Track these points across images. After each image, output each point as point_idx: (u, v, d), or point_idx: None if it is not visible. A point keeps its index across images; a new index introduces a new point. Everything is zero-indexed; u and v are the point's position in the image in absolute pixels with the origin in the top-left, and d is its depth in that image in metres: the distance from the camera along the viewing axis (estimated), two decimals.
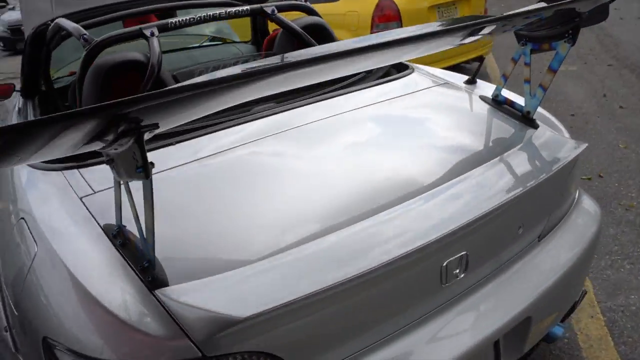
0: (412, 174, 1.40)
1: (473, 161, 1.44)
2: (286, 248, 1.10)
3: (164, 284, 1.00)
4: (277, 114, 1.61)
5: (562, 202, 1.63)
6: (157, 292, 0.99)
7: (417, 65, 2.13)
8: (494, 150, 1.52)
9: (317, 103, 1.69)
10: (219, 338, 0.95)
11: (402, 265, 1.13)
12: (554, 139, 1.62)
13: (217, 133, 1.51)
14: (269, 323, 1.00)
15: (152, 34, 1.70)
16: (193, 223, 1.19)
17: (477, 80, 2.00)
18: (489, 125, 1.69)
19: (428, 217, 1.24)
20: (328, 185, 1.33)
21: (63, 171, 1.37)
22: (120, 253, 1.08)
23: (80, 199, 1.25)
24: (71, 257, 1.10)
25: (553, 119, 1.83)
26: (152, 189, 0.92)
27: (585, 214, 1.73)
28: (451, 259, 1.24)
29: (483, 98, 1.81)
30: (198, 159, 1.40)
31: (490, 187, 1.36)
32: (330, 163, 1.44)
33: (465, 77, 2.03)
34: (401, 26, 4.54)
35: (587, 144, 1.59)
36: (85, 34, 1.81)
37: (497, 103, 1.75)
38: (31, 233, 1.22)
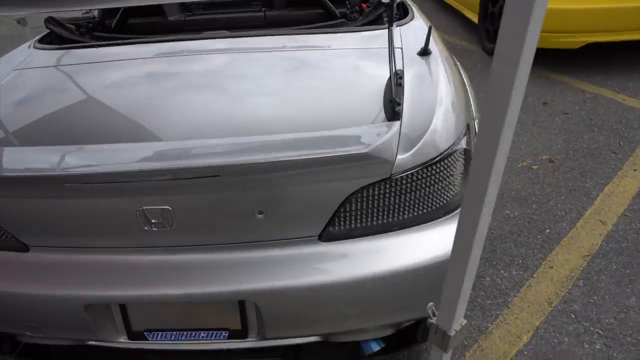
0: (229, 119, 1.43)
1: (290, 127, 1.37)
2: (72, 142, 1.38)
3: None
4: (216, 39, 1.91)
5: (371, 210, 1.39)
6: None
7: (420, 20, 2.09)
8: (324, 126, 1.38)
9: (266, 37, 1.90)
10: None
11: (88, 187, 1.29)
12: (375, 135, 1.30)
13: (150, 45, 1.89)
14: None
15: None
16: (51, 104, 1.56)
17: (432, 51, 1.77)
18: (363, 101, 1.50)
19: (155, 158, 1.27)
20: (147, 104, 1.52)
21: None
22: None
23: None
24: None
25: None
26: None
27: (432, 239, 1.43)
28: (151, 207, 1.31)
29: (398, 73, 1.56)
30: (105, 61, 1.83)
31: (245, 155, 1.25)
32: (181, 91, 1.58)
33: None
34: None
35: (367, 151, 1.24)
36: None
37: (398, 84, 1.52)
38: None
